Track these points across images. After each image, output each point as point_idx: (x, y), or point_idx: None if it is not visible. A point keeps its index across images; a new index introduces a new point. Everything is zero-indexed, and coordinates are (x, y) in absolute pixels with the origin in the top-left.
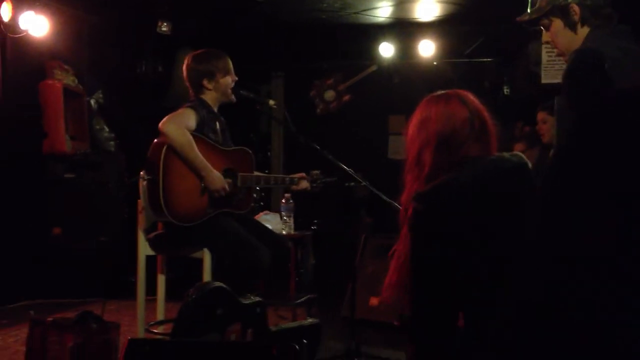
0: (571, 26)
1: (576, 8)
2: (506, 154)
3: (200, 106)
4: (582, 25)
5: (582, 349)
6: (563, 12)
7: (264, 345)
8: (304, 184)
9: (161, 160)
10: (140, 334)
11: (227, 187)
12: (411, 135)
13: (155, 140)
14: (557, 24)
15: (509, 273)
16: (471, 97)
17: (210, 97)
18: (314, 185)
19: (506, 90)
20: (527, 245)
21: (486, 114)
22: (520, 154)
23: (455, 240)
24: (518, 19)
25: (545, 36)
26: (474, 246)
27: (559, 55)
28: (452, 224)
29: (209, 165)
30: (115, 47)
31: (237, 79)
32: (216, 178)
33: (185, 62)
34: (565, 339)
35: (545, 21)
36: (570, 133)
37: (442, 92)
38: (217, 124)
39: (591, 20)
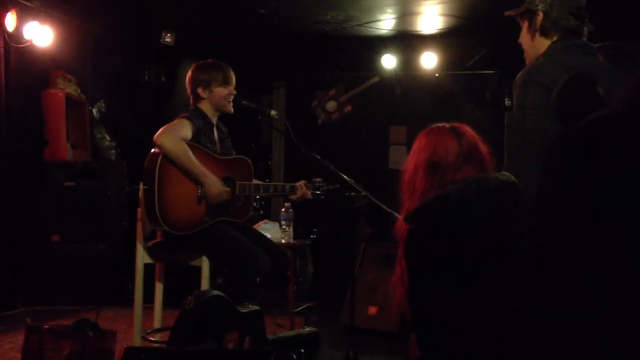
0: (532, 32)
1: (540, 17)
2: (493, 174)
3: (196, 116)
4: (541, 35)
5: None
6: (530, 17)
7: (262, 353)
8: (302, 191)
9: (157, 170)
10: (137, 342)
11: (228, 189)
12: (407, 162)
13: (152, 150)
14: (525, 26)
15: (495, 286)
16: (466, 128)
17: (206, 106)
18: (317, 192)
19: (507, 102)
20: (516, 258)
21: (480, 144)
22: (508, 173)
23: (443, 256)
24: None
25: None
26: (461, 261)
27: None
28: (439, 240)
29: (207, 171)
30: (118, 57)
31: (235, 92)
32: (214, 184)
33: (189, 70)
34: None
35: (519, 21)
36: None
37: (439, 124)
38: (216, 133)
39: (550, 33)
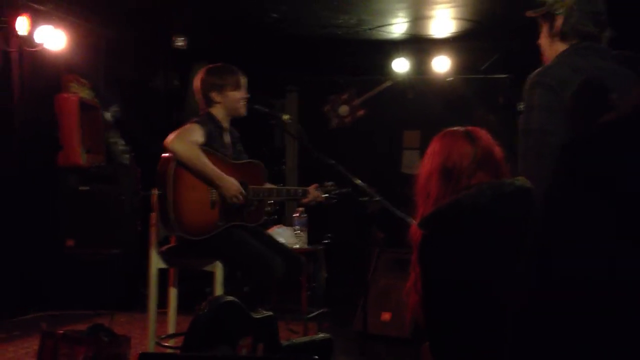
0: (551, 36)
1: (559, 21)
2: (508, 179)
3: (207, 120)
4: (560, 40)
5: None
6: (550, 20)
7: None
8: (314, 195)
9: (170, 175)
10: (151, 347)
11: (243, 191)
12: (421, 167)
13: (164, 154)
14: (545, 28)
15: (506, 294)
16: (481, 132)
17: (219, 110)
18: (327, 196)
19: (520, 106)
20: (527, 262)
21: (495, 149)
22: (524, 178)
23: (457, 262)
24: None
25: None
26: (475, 267)
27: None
28: (453, 246)
29: (221, 172)
30: (132, 61)
31: (248, 96)
32: (231, 184)
33: (199, 74)
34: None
35: (540, 22)
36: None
37: (454, 128)
38: (227, 137)
39: (569, 37)
